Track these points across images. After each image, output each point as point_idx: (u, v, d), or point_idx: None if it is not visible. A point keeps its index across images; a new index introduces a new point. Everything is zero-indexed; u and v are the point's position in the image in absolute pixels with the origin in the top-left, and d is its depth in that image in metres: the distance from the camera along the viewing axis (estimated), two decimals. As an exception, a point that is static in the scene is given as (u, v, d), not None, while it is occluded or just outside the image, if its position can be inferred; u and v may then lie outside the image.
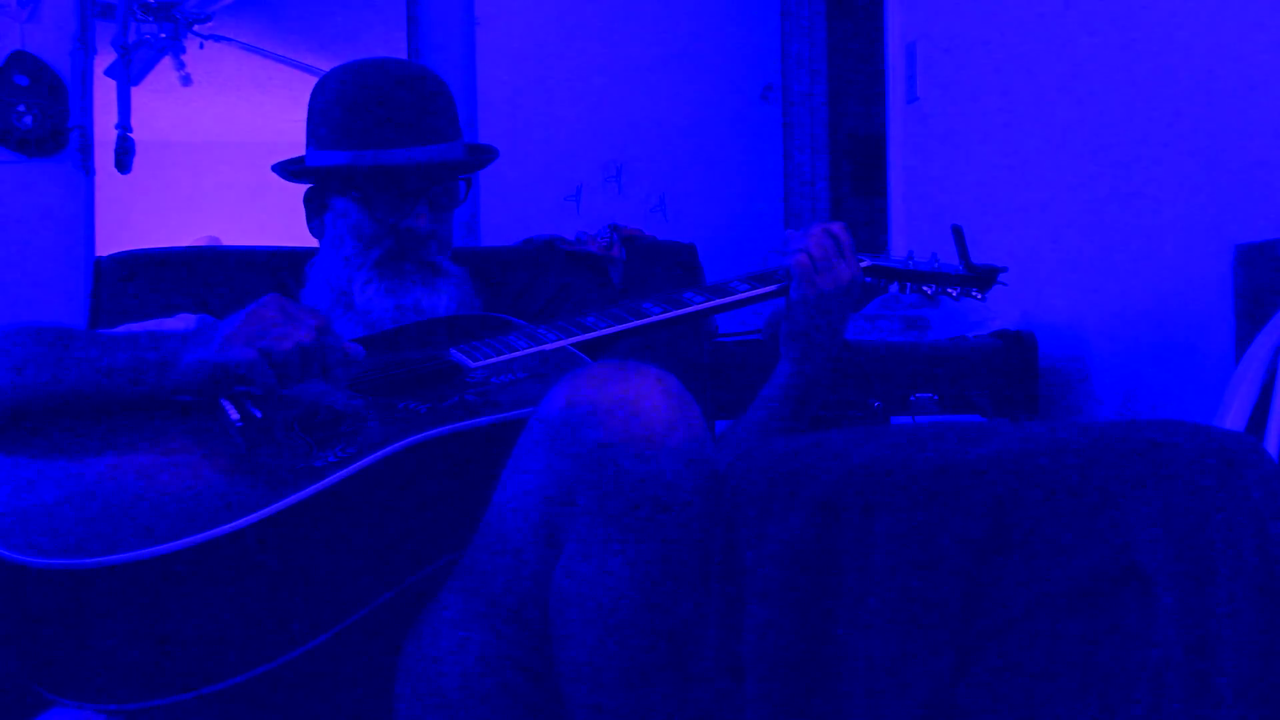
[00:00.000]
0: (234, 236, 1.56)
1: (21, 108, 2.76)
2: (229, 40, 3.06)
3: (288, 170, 1.39)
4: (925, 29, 2.66)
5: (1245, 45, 1.67)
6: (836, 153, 3.56)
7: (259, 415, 1.08)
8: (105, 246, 2.19)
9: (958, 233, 1.36)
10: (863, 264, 1.31)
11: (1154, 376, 1.89)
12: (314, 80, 1.45)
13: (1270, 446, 1.37)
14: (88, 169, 2.85)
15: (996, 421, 2.00)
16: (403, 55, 3.09)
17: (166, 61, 3.05)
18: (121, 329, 1.31)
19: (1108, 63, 1.99)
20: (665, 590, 0.91)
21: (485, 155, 1.42)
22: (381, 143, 1.32)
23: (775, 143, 3.40)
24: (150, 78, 3.03)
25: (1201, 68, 1.76)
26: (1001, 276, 1.39)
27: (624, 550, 0.90)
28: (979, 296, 1.38)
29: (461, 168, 1.38)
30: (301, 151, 1.40)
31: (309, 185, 1.41)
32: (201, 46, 3.05)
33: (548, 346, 1.17)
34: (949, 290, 1.37)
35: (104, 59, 2.94)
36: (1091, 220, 2.04)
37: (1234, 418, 1.41)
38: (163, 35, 3.03)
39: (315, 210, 1.41)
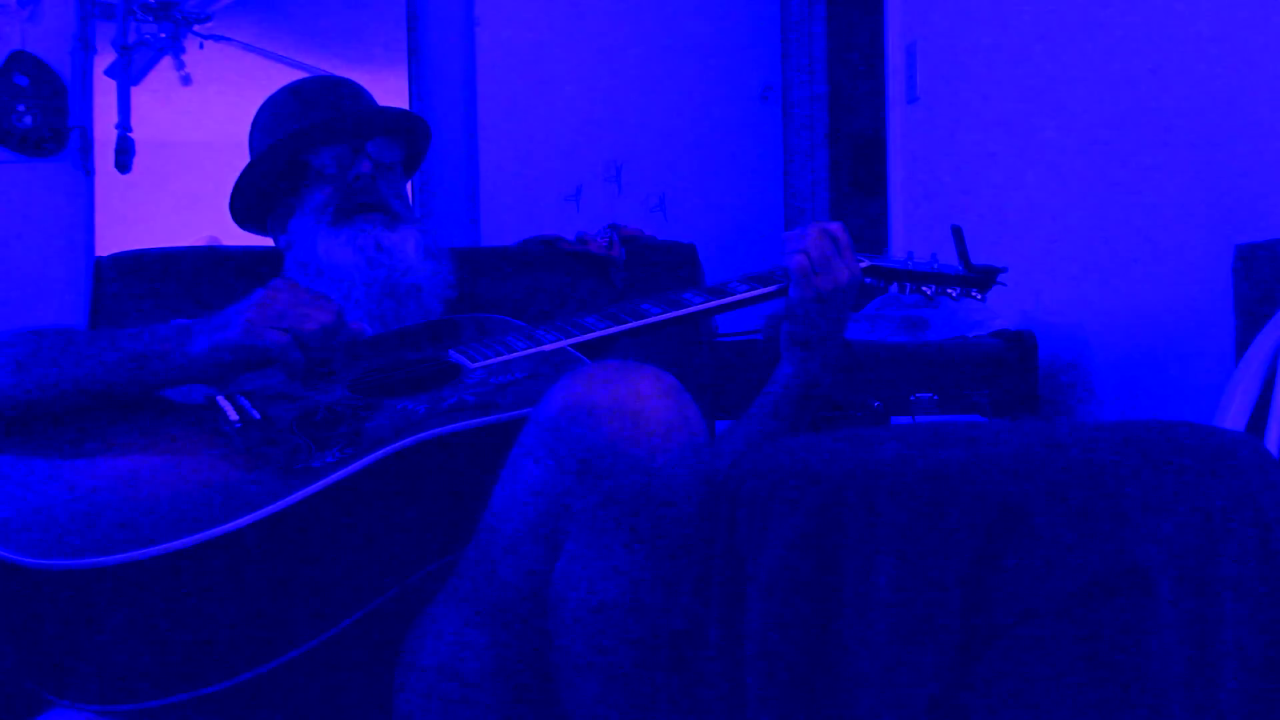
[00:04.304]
0: (234, 236, 1.56)
1: (21, 108, 2.77)
2: (229, 40, 3.06)
3: (243, 195, 1.43)
4: (925, 29, 2.66)
5: (1245, 45, 1.67)
6: (836, 153, 3.56)
7: (257, 416, 1.08)
8: (105, 246, 2.19)
9: (957, 233, 1.35)
10: (862, 264, 1.30)
11: (1154, 376, 1.89)
12: (314, 80, 1.47)
13: (1270, 446, 1.37)
14: (88, 169, 2.85)
15: (996, 421, 2.00)
16: (403, 56, 3.09)
17: (166, 61, 3.05)
18: (114, 332, 1.32)
19: (1108, 63, 1.99)
20: (665, 591, 0.91)
21: (417, 117, 1.48)
22: (317, 111, 1.39)
23: (775, 143, 3.40)
24: (150, 78, 3.03)
25: (1202, 68, 1.76)
26: (1001, 277, 1.38)
27: (624, 551, 0.90)
28: (978, 297, 1.38)
29: (390, 116, 1.43)
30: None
31: (269, 215, 1.45)
32: (201, 46, 3.05)
33: (546, 347, 1.17)
34: (949, 291, 1.37)
35: (104, 59, 2.94)
36: (1091, 220, 2.04)
37: (1234, 418, 1.40)
38: (163, 35, 3.03)
39: (280, 228, 1.44)
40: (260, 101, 1.48)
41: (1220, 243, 1.65)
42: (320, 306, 1.11)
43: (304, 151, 1.38)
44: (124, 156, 2.93)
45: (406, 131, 1.45)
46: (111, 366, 1.09)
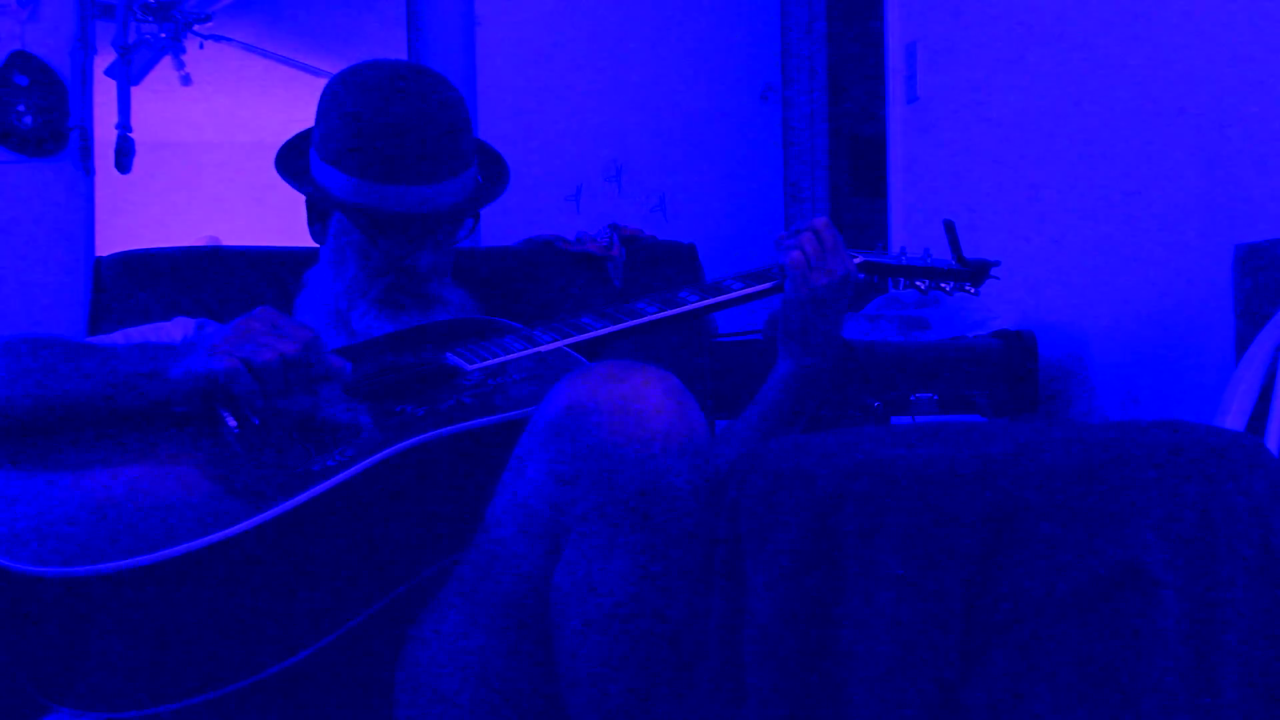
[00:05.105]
0: (234, 236, 1.56)
1: (21, 108, 2.76)
2: (229, 40, 3.06)
3: (292, 175, 1.35)
4: (925, 29, 2.66)
5: (1245, 45, 1.67)
6: (836, 153, 3.56)
7: (256, 422, 1.08)
8: (105, 246, 2.19)
9: (950, 228, 1.36)
10: (856, 260, 1.31)
11: (1154, 376, 1.89)
12: (314, 80, 1.43)
13: (1270, 446, 1.37)
14: (88, 169, 2.85)
15: (996, 421, 2.00)
16: (403, 55, 3.09)
17: (166, 61, 3.05)
18: (118, 334, 1.31)
19: (1108, 63, 1.99)
20: (666, 591, 0.91)
21: (495, 186, 1.39)
22: (389, 177, 1.26)
23: (775, 143, 3.40)
24: (150, 78, 3.03)
25: (1201, 68, 1.76)
26: (995, 270, 1.39)
27: (625, 551, 0.90)
28: (973, 291, 1.39)
29: (470, 205, 1.35)
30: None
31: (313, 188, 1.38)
32: (201, 46, 3.05)
33: (544, 348, 1.17)
34: (942, 285, 1.37)
35: (104, 59, 2.94)
36: (1092, 220, 2.04)
37: (1234, 418, 1.40)
38: (163, 35, 3.02)
39: (318, 215, 1.39)
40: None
41: (1220, 243, 1.65)
42: (288, 338, 1.07)
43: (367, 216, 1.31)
44: (124, 156, 2.93)
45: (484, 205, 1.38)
46: (107, 385, 1.08)
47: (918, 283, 1.36)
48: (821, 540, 0.84)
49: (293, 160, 1.37)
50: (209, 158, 3.05)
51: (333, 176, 1.30)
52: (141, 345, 1.15)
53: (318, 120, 1.34)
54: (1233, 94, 1.70)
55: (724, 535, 0.89)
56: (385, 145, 1.27)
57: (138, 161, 2.95)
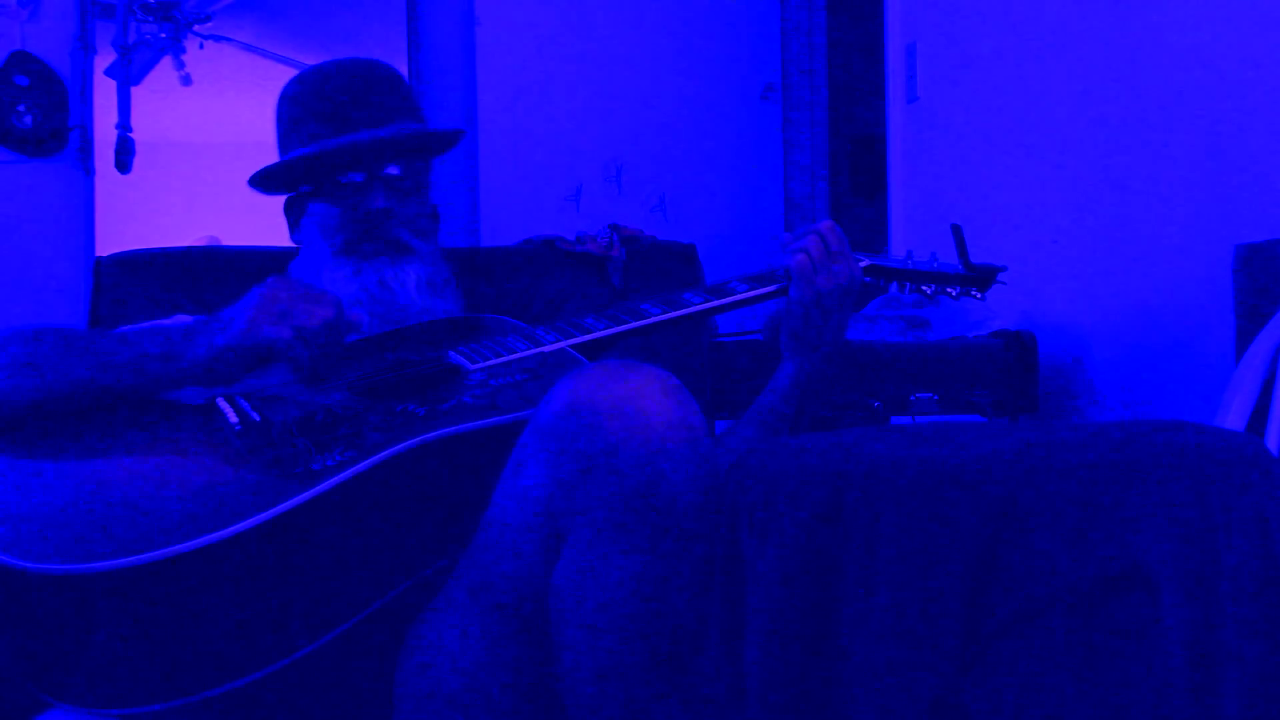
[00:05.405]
0: (234, 236, 1.56)
1: (21, 108, 2.76)
2: (229, 40, 3.06)
3: (261, 183, 1.41)
4: (925, 29, 2.66)
5: (1245, 45, 1.67)
6: (836, 153, 3.56)
7: (257, 418, 1.08)
8: (105, 246, 2.19)
9: (957, 231, 1.36)
10: (862, 264, 1.31)
11: (1154, 376, 1.89)
12: (315, 80, 1.45)
13: (1270, 446, 1.37)
14: (88, 169, 2.85)
15: (996, 421, 2.00)
16: (403, 55, 3.09)
17: (166, 61, 3.05)
18: (116, 333, 1.32)
19: (1108, 63, 1.99)
20: (666, 591, 0.91)
21: (446, 134, 1.42)
22: (333, 131, 1.34)
23: (775, 143, 3.40)
24: (150, 78, 3.03)
25: (1201, 68, 1.76)
26: (1001, 276, 1.38)
27: (625, 551, 0.90)
28: (978, 296, 1.38)
29: (410, 142, 1.38)
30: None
31: (289, 196, 1.43)
32: (201, 46, 3.05)
33: (547, 348, 1.17)
34: (948, 290, 1.37)
35: (104, 59, 2.94)
36: (1091, 220, 2.04)
37: (1234, 418, 1.40)
38: (163, 35, 3.02)
39: (294, 220, 1.43)
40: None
41: (1220, 243, 1.65)
42: (320, 301, 1.12)
43: (319, 170, 1.37)
44: (124, 156, 2.93)
45: (430, 148, 1.43)
46: (114, 368, 1.09)
47: (924, 287, 1.35)
48: (821, 540, 0.84)
49: (260, 177, 1.43)
50: (209, 158, 3.05)
51: (285, 158, 1.37)
52: (152, 330, 1.16)
53: (276, 132, 1.42)
54: (1233, 94, 1.70)
55: (724, 535, 0.89)
56: (321, 110, 1.36)
57: (138, 161, 2.95)
